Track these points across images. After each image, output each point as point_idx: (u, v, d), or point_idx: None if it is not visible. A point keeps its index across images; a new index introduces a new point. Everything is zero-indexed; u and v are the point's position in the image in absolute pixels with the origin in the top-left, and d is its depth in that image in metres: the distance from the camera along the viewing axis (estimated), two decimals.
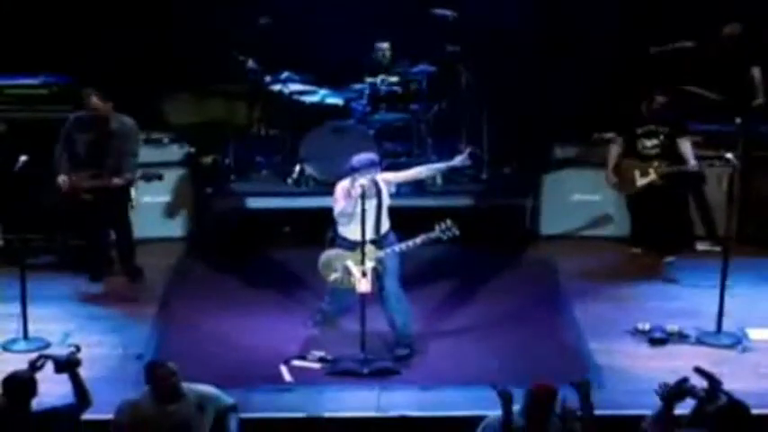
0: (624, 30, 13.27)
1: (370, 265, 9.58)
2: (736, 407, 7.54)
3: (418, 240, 9.68)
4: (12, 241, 11.30)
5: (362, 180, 9.50)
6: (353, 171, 9.60)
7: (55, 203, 11.08)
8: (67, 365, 7.90)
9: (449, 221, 9.61)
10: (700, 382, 7.68)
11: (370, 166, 9.61)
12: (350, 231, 9.70)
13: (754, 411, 8.38)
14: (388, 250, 9.66)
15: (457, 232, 9.62)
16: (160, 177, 11.26)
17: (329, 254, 9.80)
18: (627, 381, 9.29)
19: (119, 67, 12.54)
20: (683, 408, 7.69)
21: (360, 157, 9.70)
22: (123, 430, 7.81)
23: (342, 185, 9.74)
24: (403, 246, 9.72)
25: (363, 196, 9.47)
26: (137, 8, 13.21)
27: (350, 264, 9.66)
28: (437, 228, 9.62)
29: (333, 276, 9.78)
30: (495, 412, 7.71)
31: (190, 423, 7.82)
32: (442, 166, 10.24)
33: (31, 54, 12.62)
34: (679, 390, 7.63)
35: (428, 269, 11.12)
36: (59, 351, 8.47)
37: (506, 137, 12.96)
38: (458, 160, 9.99)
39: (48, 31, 12.99)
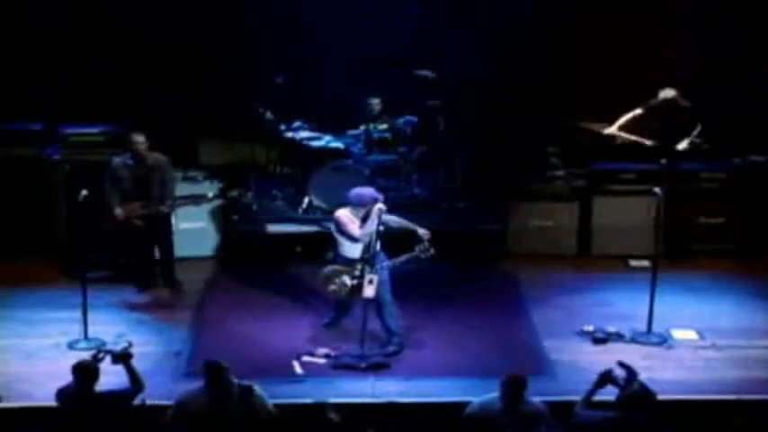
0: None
1: (374, 276, 9.46)
2: (643, 393, 7.57)
3: (402, 258, 9.67)
4: (75, 259, 11.11)
5: (380, 205, 9.58)
6: (375, 201, 9.59)
7: (110, 229, 11.03)
8: (122, 357, 7.96)
9: (426, 243, 9.61)
10: (621, 373, 7.76)
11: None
12: (349, 251, 9.71)
13: (678, 397, 8.80)
14: (378, 266, 9.60)
15: (433, 252, 9.60)
16: (206, 198, 11.39)
17: (328, 270, 9.81)
18: (575, 372, 9.30)
19: (163, 120, 12.49)
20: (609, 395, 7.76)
21: (372, 191, 9.76)
22: (184, 418, 7.76)
23: (345, 213, 9.73)
24: (390, 263, 9.70)
25: (379, 219, 9.50)
26: (176, 69, 13.23)
27: (345, 278, 9.67)
28: (417, 248, 9.62)
29: (331, 288, 9.78)
30: (474, 398, 7.81)
31: (239, 414, 7.78)
32: (411, 226, 9.81)
33: (93, 107, 12.63)
34: (603, 378, 7.76)
35: (414, 282, 10.90)
36: (115, 346, 8.44)
37: (477, 174, 12.97)
38: (421, 232, 9.71)
39: (107, 89, 12.98)
